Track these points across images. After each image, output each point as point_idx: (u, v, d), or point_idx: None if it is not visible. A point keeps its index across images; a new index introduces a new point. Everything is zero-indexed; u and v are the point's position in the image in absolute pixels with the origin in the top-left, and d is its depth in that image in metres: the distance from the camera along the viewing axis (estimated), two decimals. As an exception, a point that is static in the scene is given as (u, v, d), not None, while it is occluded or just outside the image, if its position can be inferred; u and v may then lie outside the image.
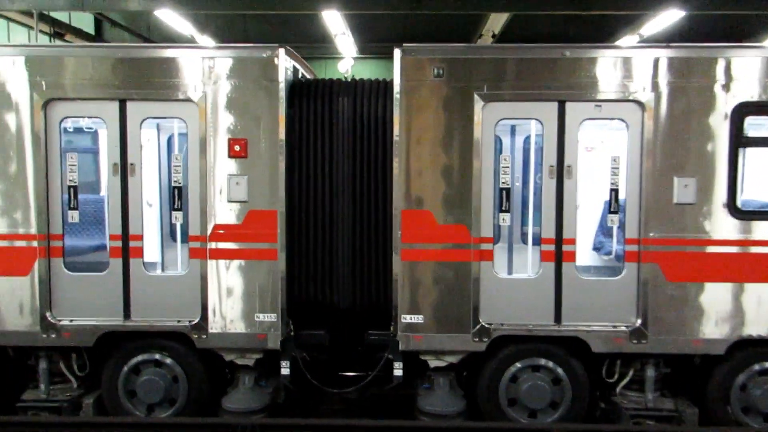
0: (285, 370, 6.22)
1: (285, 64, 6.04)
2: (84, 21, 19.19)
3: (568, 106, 5.94)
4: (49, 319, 6.03)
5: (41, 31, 15.58)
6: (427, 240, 6.02)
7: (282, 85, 5.95)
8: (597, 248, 7.44)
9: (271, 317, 6.04)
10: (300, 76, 6.80)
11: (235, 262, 6.03)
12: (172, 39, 18.44)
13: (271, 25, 19.35)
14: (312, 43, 18.88)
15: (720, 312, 5.87)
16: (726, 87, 5.78)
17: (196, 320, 6.03)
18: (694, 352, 6.00)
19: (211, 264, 6.02)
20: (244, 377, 6.28)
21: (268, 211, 6.01)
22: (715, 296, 5.87)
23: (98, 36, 20.17)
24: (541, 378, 6.10)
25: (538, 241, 6.17)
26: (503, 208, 6.14)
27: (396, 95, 5.95)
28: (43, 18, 15.75)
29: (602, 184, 6.73)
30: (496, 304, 6.04)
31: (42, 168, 5.96)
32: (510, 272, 6.81)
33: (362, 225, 6.31)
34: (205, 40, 18.37)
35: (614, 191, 6.07)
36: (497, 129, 6.06)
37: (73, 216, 6.10)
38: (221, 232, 6.01)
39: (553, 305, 6.03)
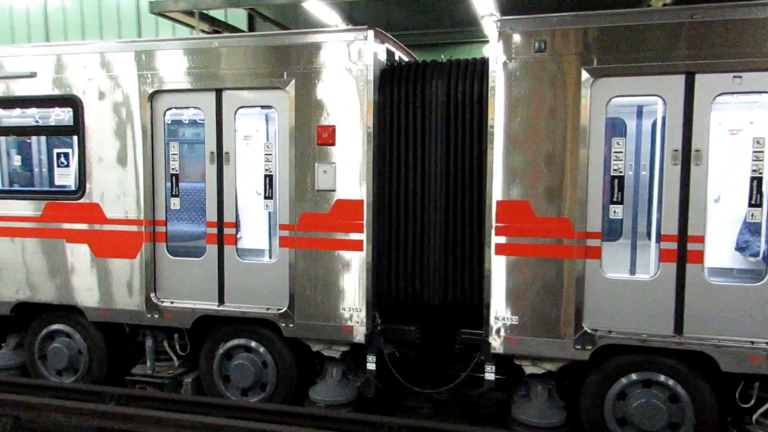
0: (371, 365, 6.01)
1: (374, 47, 5.75)
2: (238, 19, 20.57)
3: (698, 78, 4.99)
4: (153, 300, 6.39)
5: (201, 30, 16.91)
6: (523, 234, 5.44)
7: (371, 70, 5.69)
8: (741, 248, 6.23)
9: (356, 310, 5.85)
10: (396, 59, 6.48)
11: (322, 252, 5.92)
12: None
13: (414, 10, 19.16)
14: (457, 28, 18.35)
15: None
16: None
17: (284, 309, 6.03)
18: None
19: (299, 253, 5.97)
20: (332, 369, 6.19)
21: (355, 201, 5.81)
22: None
23: (251, 31, 21.49)
24: (655, 395, 5.26)
25: (650, 237, 5.32)
26: (614, 199, 5.35)
27: (492, 75, 5.42)
28: (203, 18, 17.09)
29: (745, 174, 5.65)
30: (602, 308, 5.31)
31: (149, 157, 6.30)
32: (615, 271, 5.95)
33: (456, 216, 5.86)
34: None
35: (756, 180, 5.00)
36: (608, 108, 5.27)
37: (175, 203, 6.39)
38: (309, 221, 5.94)
39: (673, 313, 5.15)
